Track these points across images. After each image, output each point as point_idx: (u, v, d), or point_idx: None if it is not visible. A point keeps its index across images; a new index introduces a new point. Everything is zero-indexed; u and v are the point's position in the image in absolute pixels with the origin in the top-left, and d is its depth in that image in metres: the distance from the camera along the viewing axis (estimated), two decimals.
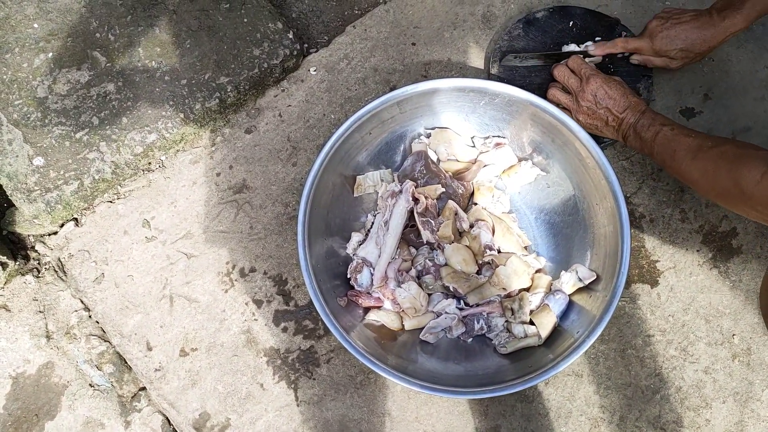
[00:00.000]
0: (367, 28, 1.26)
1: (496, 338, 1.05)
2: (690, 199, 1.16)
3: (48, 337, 1.13)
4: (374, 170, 1.11)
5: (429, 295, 1.07)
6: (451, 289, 1.04)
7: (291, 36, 1.22)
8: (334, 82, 1.23)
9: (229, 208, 1.17)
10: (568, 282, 1.03)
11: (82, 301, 1.14)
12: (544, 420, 1.08)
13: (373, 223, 1.10)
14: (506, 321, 1.05)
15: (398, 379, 0.92)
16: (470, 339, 1.06)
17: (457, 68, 1.24)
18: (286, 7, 1.32)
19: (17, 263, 1.16)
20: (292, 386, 1.10)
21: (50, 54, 1.15)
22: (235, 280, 1.14)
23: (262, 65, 1.19)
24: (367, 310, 1.06)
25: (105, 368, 1.12)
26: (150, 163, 1.18)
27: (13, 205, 1.15)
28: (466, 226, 1.08)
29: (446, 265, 1.07)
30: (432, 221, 1.06)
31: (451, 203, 1.08)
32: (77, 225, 1.17)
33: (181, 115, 1.15)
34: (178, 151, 1.19)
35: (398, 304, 1.04)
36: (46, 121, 1.12)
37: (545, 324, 1.01)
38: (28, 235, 1.19)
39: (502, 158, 1.11)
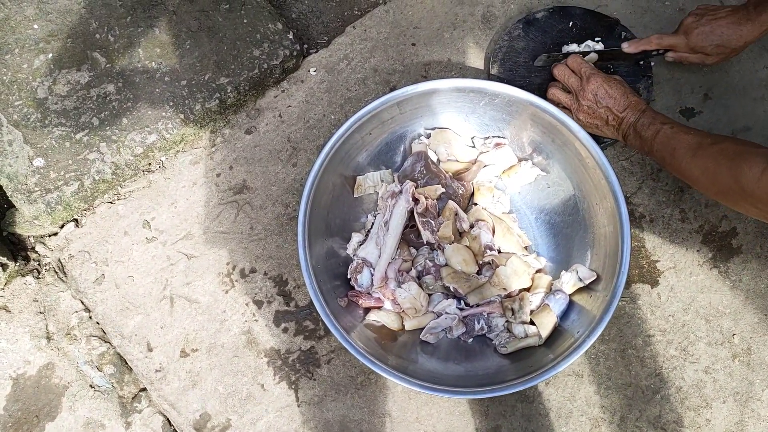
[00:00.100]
0: (366, 28, 1.26)
1: (496, 338, 1.05)
2: (690, 199, 1.16)
3: (48, 338, 1.13)
4: (374, 171, 1.11)
5: (429, 295, 1.07)
6: (452, 289, 1.04)
7: (291, 36, 1.22)
8: (334, 82, 1.23)
9: (230, 208, 1.17)
10: (569, 282, 1.03)
11: (82, 302, 1.14)
12: (544, 420, 1.08)
13: (373, 223, 1.10)
14: (506, 321, 1.05)
15: (399, 380, 0.92)
16: (470, 339, 1.06)
17: (456, 69, 1.24)
18: (285, 8, 1.32)
19: (17, 264, 1.16)
20: (293, 387, 1.10)
21: (50, 55, 1.15)
22: (236, 281, 1.14)
23: (262, 66, 1.19)
24: (367, 310, 1.06)
25: (105, 369, 1.12)
26: (150, 163, 1.18)
27: (14, 206, 1.15)
28: (466, 226, 1.08)
29: (446, 265, 1.07)
30: (432, 221, 1.06)
31: (451, 203, 1.08)
32: (77, 226, 1.17)
33: (181, 116, 1.15)
34: (178, 151, 1.19)
35: (398, 304, 1.04)
36: (46, 122, 1.12)
37: (545, 324, 1.01)
38: (29, 236, 1.19)
39: (502, 158, 1.11)
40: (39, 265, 1.18)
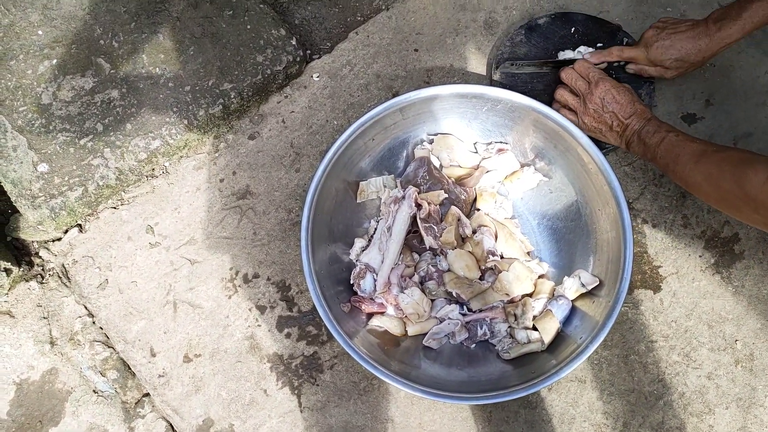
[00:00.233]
0: (369, 34, 1.27)
1: (499, 344, 1.05)
2: (692, 205, 1.17)
3: (52, 344, 1.14)
4: (377, 176, 1.12)
5: (432, 300, 1.07)
6: (454, 294, 1.05)
7: (294, 42, 1.23)
8: (337, 88, 1.23)
9: (233, 214, 1.17)
10: (571, 287, 1.03)
11: (86, 307, 1.15)
12: (547, 426, 1.08)
13: (376, 228, 1.10)
14: (509, 327, 1.05)
15: (401, 385, 0.92)
16: (473, 345, 1.06)
17: (459, 74, 1.25)
18: (289, 14, 1.33)
19: (21, 269, 1.16)
20: (296, 392, 1.10)
21: (54, 61, 1.15)
22: (239, 286, 1.14)
23: (265, 72, 1.20)
24: (370, 315, 1.06)
25: (109, 374, 1.12)
26: (154, 169, 1.19)
27: (18, 212, 1.16)
28: (468, 231, 1.08)
29: (449, 270, 1.07)
30: (435, 227, 1.06)
31: (453, 209, 1.09)
32: (81, 231, 1.17)
33: (185, 122, 1.16)
34: (181, 157, 1.20)
35: (401, 309, 1.04)
36: (51, 127, 1.13)
37: (548, 329, 1.01)
38: (32, 241, 1.20)
39: (505, 164, 1.12)
40: (43, 270, 1.18)
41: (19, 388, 1.12)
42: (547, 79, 1.19)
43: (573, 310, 1.03)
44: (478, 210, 1.12)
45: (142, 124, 1.15)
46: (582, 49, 1.20)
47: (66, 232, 1.17)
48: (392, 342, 1.04)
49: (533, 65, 1.20)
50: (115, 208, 1.18)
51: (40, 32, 1.17)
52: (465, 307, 1.07)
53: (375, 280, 1.05)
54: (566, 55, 1.20)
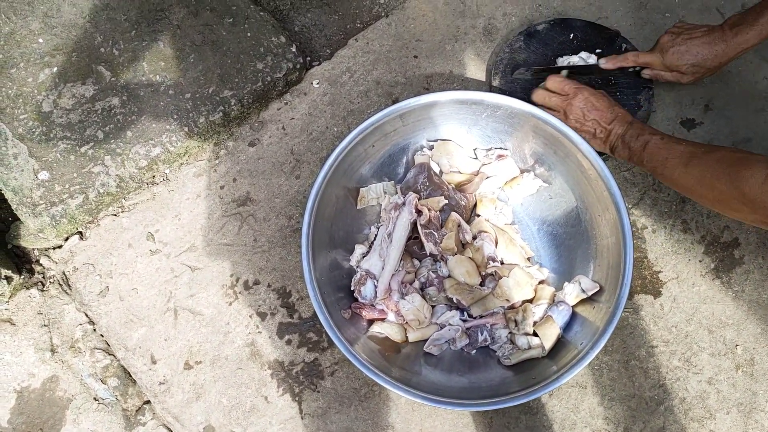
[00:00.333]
0: (369, 41, 1.27)
1: (499, 350, 1.05)
2: (692, 210, 1.17)
3: (53, 351, 1.14)
4: (377, 182, 1.12)
5: (432, 306, 1.07)
6: (455, 300, 1.05)
7: (294, 49, 1.23)
8: (337, 95, 1.24)
9: (233, 220, 1.17)
10: (572, 293, 1.03)
11: (86, 315, 1.15)
12: None
13: (376, 235, 1.10)
14: (510, 332, 1.05)
15: (402, 392, 0.92)
16: (474, 351, 1.06)
17: (458, 81, 1.25)
18: (288, 21, 1.33)
19: (22, 277, 1.16)
20: (297, 399, 1.10)
21: (55, 68, 1.16)
22: (239, 293, 1.14)
23: (265, 79, 1.20)
24: (370, 322, 1.06)
25: (109, 382, 1.12)
26: (154, 176, 1.19)
27: (18, 219, 1.16)
28: (469, 237, 1.08)
29: (449, 276, 1.07)
30: (435, 233, 1.06)
31: (454, 215, 1.09)
32: (82, 238, 1.17)
33: (185, 129, 1.16)
34: (182, 164, 1.20)
35: (402, 316, 1.04)
36: (51, 135, 1.13)
37: (549, 335, 1.01)
38: (33, 249, 1.20)
39: (505, 170, 1.12)
40: (43, 277, 1.18)
41: (20, 396, 1.11)
42: None
43: (573, 315, 1.04)
44: (478, 216, 1.12)
45: (143, 131, 1.15)
46: (584, 54, 1.20)
47: (67, 239, 1.17)
48: (393, 348, 1.04)
49: (546, 71, 1.19)
50: (115, 215, 1.18)
51: (40, 40, 1.17)
52: (465, 313, 1.07)
53: (375, 287, 1.05)
54: (565, 61, 1.21)
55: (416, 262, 1.10)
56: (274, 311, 1.13)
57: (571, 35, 1.24)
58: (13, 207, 1.12)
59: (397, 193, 1.11)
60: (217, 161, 1.20)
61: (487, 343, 1.05)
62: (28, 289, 1.16)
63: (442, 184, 1.10)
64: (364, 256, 1.08)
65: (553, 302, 1.05)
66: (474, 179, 1.12)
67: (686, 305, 1.13)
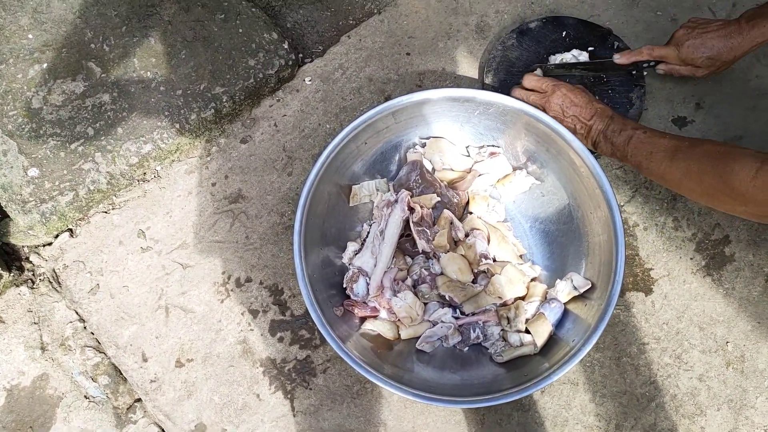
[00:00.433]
0: (361, 38, 1.27)
1: (492, 347, 1.05)
2: (683, 208, 1.17)
3: (43, 349, 1.13)
4: (370, 180, 1.12)
5: (425, 304, 1.07)
6: (447, 298, 1.05)
7: (286, 46, 1.23)
8: (329, 91, 1.23)
9: (225, 218, 1.17)
10: (564, 290, 1.04)
11: (77, 312, 1.14)
12: (540, 429, 1.08)
13: (368, 232, 1.10)
14: (502, 330, 1.05)
15: (394, 389, 0.92)
16: (466, 348, 1.06)
17: (451, 78, 1.25)
18: (281, 18, 1.33)
19: (11, 274, 1.15)
20: (289, 396, 1.09)
21: (45, 65, 1.15)
22: (231, 291, 1.14)
23: (257, 75, 1.20)
24: (363, 319, 1.06)
25: (100, 380, 1.12)
26: (145, 173, 1.18)
27: (8, 216, 1.15)
28: (461, 235, 1.08)
29: (442, 274, 1.07)
30: (427, 230, 1.06)
31: (446, 212, 1.09)
32: (72, 236, 1.16)
33: (177, 126, 1.15)
34: (173, 161, 1.19)
35: (394, 313, 1.04)
36: (41, 132, 1.12)
37: (541, 332, 1.01)
38: (23, 246, 1.19)
39: (497, 167, 1.12)
40: (33, 275, 1.17)
41: (10, 394, 1.11)
42: None
43: (565, 312, 1.04)
44: (471, 213, 1.12)
45: (134, 128, 1.15)
46: (575, 52, 1.21)
47: (57, 236, 1.16)
48: (385, 345, 1.04)
49: (577, 67, 1.20)
50: (106, 212, 1.17)
51: (30, 36, 1.16)
52: (458, 311, 1.07)
53: (368, 284, 1.05)
54: (557, 59, 1.21)
55: (409, 259, 1.10)
56: (266, 308, 1.13)
57: (564, 33, 1.24)
58: (3, 204, 1.12)
59: (389, 190, 1.11)
60: (208, 158, 1.20)
61: (480, 341, 1.05)
62: (17, 286, 1.16)
63: (434, 181, 1.10)
64: (356, 254, 1.08)
65: (545, 299, 1.05)
66: (466, 176, 1.12)
67: (677, 302, 1.13)
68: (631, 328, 1.12)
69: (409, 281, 1.08)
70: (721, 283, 1.14)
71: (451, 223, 1.08)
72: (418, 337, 1.05)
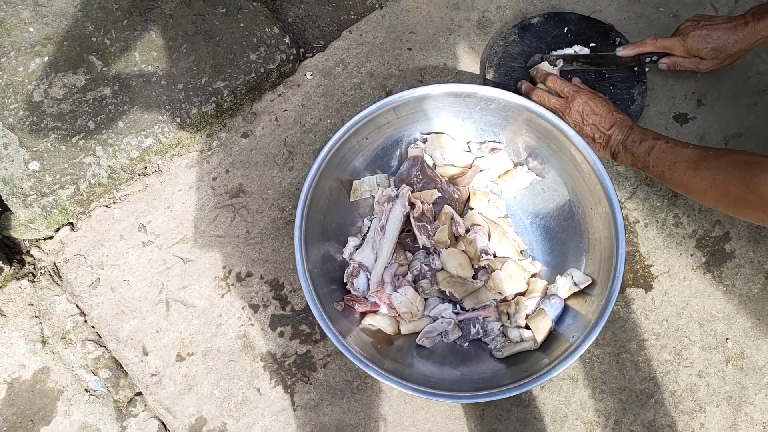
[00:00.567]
0: (363, 33, 1.27)
1: (492, 342, 1.05)
2: (683, 204, 1.17)
3: (43, 342, 1.13)
4: (370, 175, 1.12)
5: (425, 299, 1.07)
6: (447, 293, 1.05)
7: (287, 41, 1.22)
8: (331, 86, 1.23)
9: (226, 212, 1.17)
10: (564, 286, 1.04)
11: (77, 306, 1.14)
12: (539, 424, 1.08)
13: (369, 227, 1.10)
14: (502, 325, 1.05)
15: (394, 384, 0.92)
16: (466, 343, 1.06)
17: (452, 73, 1.25)
18: (282, 12, 1.33)
19: (12, 268, 1.16)
20: (289, 391, 1.10)
21: (46, 58, 1.15)
22: (232, 285, 1.14)
23: (258, 70, 1.19)
24: (363, 314, 1.06)
25: (101, 373, 1.12)
26: (146, 167, 1.18)
27: (9, 210, 1.15)
28: (462, 230, 1.08)
29: (442, 269, 1.07)
30: (428, 226, 1.06)
31: (447, 208, 1.09)
32: (73, 229, 1.16)
33: (178, 120, 1.15)
34: (174, 155, 1.19)
35: (394, 308, 1.04)
36: (42, 125, 1.12)
37: (541, 328, 1.01)
38: (24, 240, 1.19)
39: (498, 163, 1.12)
40: (34, 268, 1.17)
41: (11, 388, 1.11)
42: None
43: (565, 308, 1.04)
44: (472, 209, 1.12)
45: (135, 122, 1.15)
46: (577, 47, 1.20)
47: (57, 230, 1.16)
48: (385, 341, 1.04)
49: (578, 60, 1.19)
50: (107, 206, 1.17)
51: (31, 29, 1.16)
52: (458, 306, 1.07)
53: (368, 279, 1.05)
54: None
55: (409, 254, 1.10)
56: (266, 303, 1.13)
57: (566, 29, 1.24)
58: (4, 197, 1.11)
59: (390, 185, 1.11)
60: (209, 152, 1.20)
61: (480, 336, 1.05)
62: (18, 280, 1.16)
63: (435, 177, 1.10)
64: (356, 249, 1.08)
65: (546, 295, 1.05)
66: (467, 172, 1.12)
67: (677, 299, 1.13)
68: (631, 325, 1.12)
69: (409, 276, 1.08)
70: (722, 280, 1.14)
71: (452, 218, 1.08)
72: (418, 333, 1.05)
